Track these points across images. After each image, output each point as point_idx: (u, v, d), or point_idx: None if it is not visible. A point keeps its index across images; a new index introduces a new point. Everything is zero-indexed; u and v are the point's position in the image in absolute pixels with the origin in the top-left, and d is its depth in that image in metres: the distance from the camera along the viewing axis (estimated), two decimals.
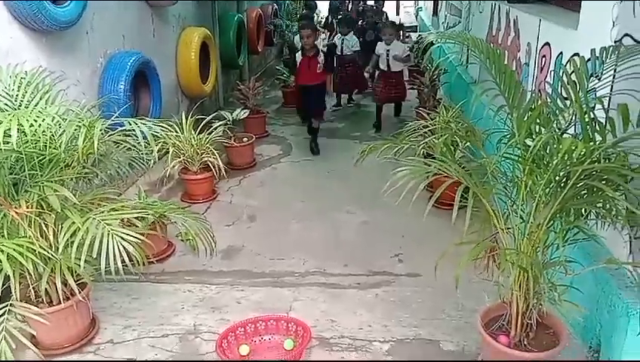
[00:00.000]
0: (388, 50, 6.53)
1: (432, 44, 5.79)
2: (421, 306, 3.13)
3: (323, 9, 12.16)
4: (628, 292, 2.39)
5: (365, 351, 2.78)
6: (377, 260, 3.66)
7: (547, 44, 3.80)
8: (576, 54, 3.10)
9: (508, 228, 2.39)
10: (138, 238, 2.55)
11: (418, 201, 2.30)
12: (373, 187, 4.92)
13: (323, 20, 10.88)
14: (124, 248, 2.48)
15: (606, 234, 2.47)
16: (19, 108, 2.64)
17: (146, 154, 3.01)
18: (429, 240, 3.70)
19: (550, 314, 2.45)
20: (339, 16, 9.32)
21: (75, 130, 2.50)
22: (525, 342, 2.39)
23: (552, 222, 2.26)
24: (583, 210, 2.29)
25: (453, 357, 2.72)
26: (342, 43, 7.33)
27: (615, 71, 2.38)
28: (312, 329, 2.82)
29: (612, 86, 2.44)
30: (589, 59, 2.41)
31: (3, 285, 2.35)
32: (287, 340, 2.80)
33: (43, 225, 2.61)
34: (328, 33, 9.28)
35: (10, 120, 2.23)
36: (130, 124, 2.58)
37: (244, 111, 5.69)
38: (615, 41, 2.60)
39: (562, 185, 2.18)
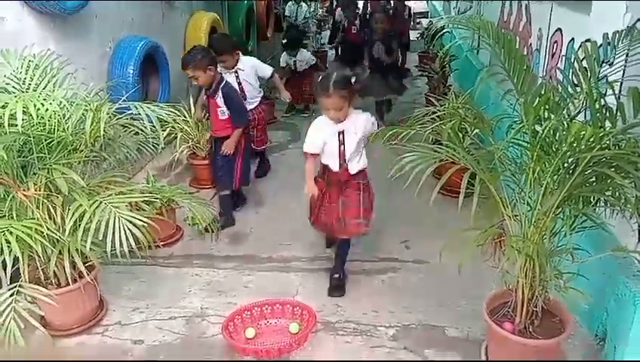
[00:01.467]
0: (341, 133, 3.05)
1: (442, 29, 5.72)
2: (427, 292, 3.13)
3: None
4: (635, 281, 2.37)
5: (370, 335, 2.79)
6: (384, 246, 3.66)
7: (559, 30, 3.74)
8: (588, 40, 3.05)
9: (515, 216, 2.37)
10: (145, 222, 2.57)
11: (426, 188, 2.29)
12: (380, 174, 4.92)
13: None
14: (131, 232, 2.49)
15: (614, 222, 2.44)
16: (27, 91, 2.64)
17: (154, 138, 3.02)
18: (436, 228, 3.68)
19: (556, 301, 2.44)
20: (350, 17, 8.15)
21: (83, 113, 2.51)
22: (530, 329, 2.38)
23: (559, 209, 2.24)
24: (591, 198, 2.27)
25: (458, 342, 2.72)
26: (294, 64, 6.66)
27: (627, 55, 2.34)
28: (317, 314, 2.84)
29: (624, 71, 2.40)
30: (600, 45, 2.37)
31: (12, 266, 2.37)
32: (293, 324, 2.82)
33: (51, 208, 2.62)
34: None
35: (16, 102, 2.23)
36: (137, 108, 2.58)
37: None
38: (628, 27, 2.55)
39: (570, 172, 2.15)
